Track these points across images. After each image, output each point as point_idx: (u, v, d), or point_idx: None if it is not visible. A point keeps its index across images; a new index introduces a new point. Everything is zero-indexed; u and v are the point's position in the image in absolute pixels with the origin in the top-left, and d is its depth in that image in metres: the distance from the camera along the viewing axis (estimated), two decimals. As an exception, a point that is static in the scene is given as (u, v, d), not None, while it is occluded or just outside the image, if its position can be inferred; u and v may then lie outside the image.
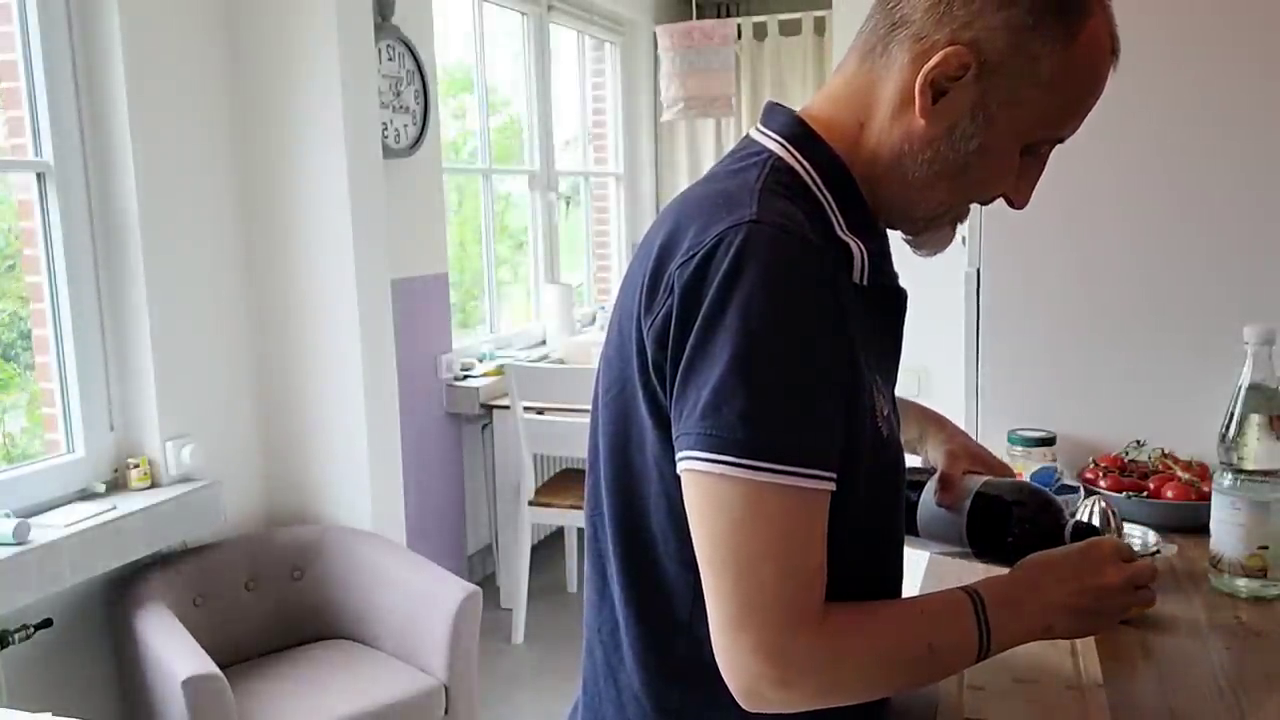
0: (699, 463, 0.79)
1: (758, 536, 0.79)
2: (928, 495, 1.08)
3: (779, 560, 0.79)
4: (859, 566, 0.88)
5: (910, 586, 1.34)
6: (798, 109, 0.93)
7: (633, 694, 0.92)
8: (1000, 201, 0.92)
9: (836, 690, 0.83)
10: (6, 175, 2.32)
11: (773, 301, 0.78)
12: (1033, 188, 0.91)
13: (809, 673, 0.80)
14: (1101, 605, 0.90)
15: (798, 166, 0.88)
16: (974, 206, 0.96)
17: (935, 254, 0.96)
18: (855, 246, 0.87)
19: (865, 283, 0.88)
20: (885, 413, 0.89)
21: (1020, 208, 0.91)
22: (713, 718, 0.86)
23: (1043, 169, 0.91)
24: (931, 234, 0.94)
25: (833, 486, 0.80)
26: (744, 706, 0.82)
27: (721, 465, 0.78)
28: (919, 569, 1.38)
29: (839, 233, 0.87)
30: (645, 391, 0.85)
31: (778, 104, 0.94)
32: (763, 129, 0.92)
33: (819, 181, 0.88)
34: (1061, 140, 0.89)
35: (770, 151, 0.89)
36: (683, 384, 0.81)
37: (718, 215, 0.82)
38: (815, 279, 0.80)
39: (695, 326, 0.79)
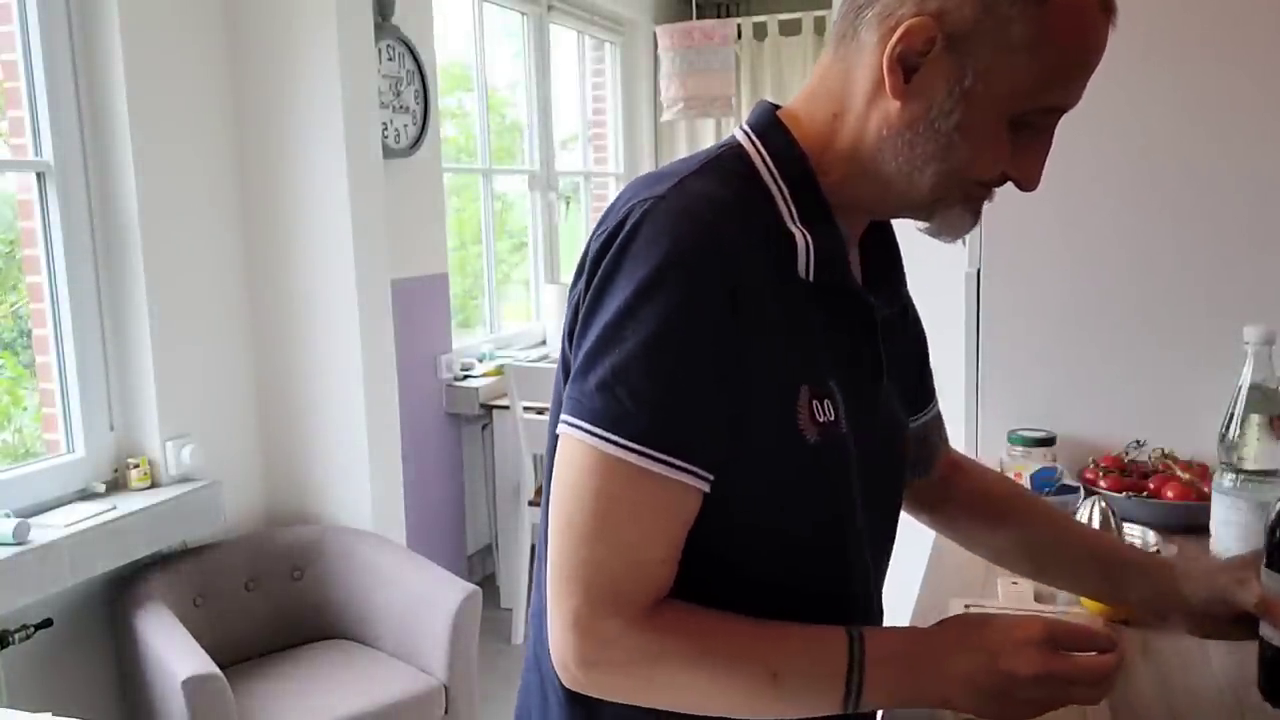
0: (563, 425, 0.79)
1: (597, 510, 0.77)
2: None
3: (613, 539, 0.77)
4: (781, 579, 0.85)
5: (906, 602, 1.34)
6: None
7: (551, 679, 0.88)
8: (1000, 198, 0.89)
9: (648, 688, 0.80)
10: (6, 175, 2.32)
11: (655, 279, 0.76)
12: (1040, 165, 0.85)
13: (618, 660, 0.78)
14: (1011, 692, 0.77)
15: (755, 155, 0.86)
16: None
17: (956, 239, 0.91)
18: (801, 238, 0.83)
19: (810, 278, 0.84)
20: (826, 418, 0.83)
21: (1029, 188, 0.85)
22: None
23: (1048, 145, 0.85)
24: (942, 219, 0.88)
25: (696, 482, 0.78)
26: (562, 682, 0.81)
27: (577, 430, 0.77)
28: (912, 591, 1.38)
29: (788, 223, 0.84)
30: (564, 364, 0.85)
31: (765, 101, 0.92)
32: (742, 123, 0.91)
33: (774, 170, 0.85)
34: (1061, 110, 0.83)
35: (736, 141, 0.88)
36: (575, 351, 0.81)
37: (640, 192, 0.82)
38: (708, 262, 0.77)
39: (589, 295, 0.80)
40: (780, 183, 0.85)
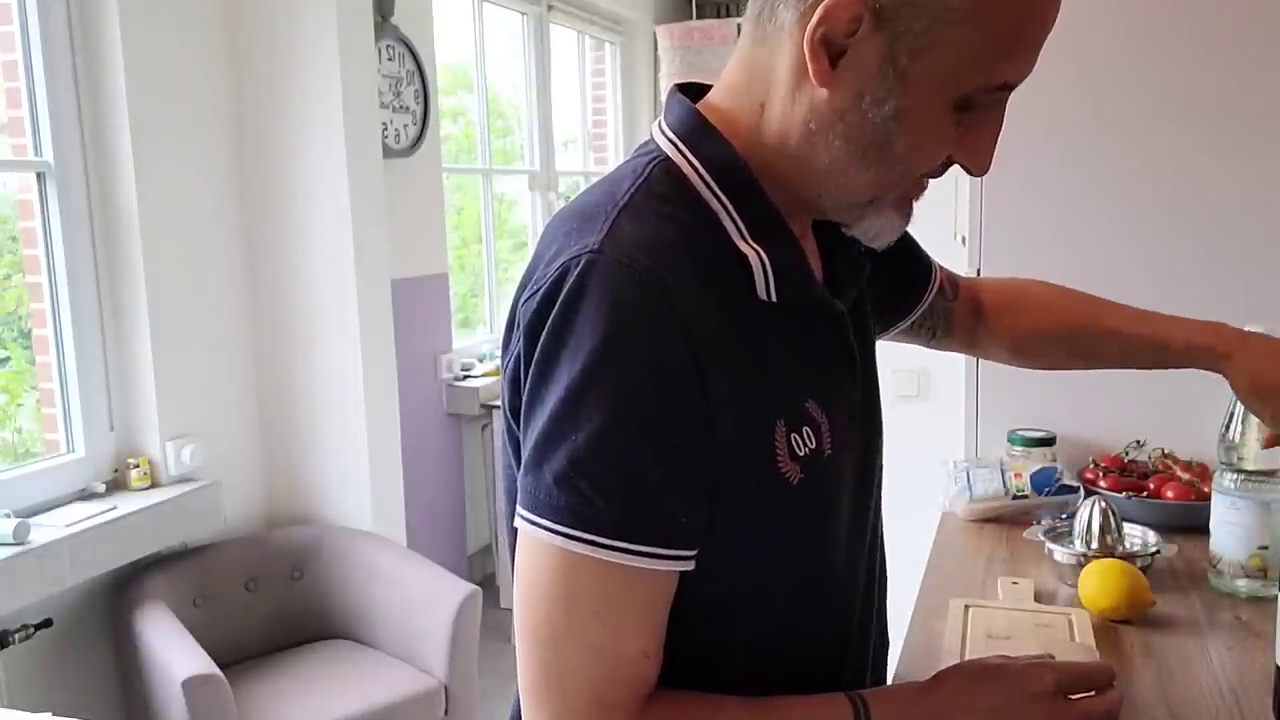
0: (520, 520, 0.71)
1: (563, 611, 0.70)
2: None
3: (585, 640, 0.70)
4: (773, 622, 0.79)
5: (907, 603, 1.34)
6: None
7: None
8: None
9: None
10: (6, 175, 2.32)
11: (604, 353, 0.67)
12: (990, 148, 0.75)
13: None
14: None
15: (687, 168, 0.76)
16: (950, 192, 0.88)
17: (885, 243, 0.81)
18: (756, 257, 0.74)
19: (773, 298, 0.74)
20: (807, 447, 0.75)
21: (979, 173, 0.76)
22: None
23: (999, 125, 0.75)
24: (871, 220, 0.79)
25: (677, 565, 0.70)
26: None
27: (534, 527, 0.69)
28: (912, 591, 1.37)
29: (739, 243, 0.74)
30: (510, 437, 0.77)
31: (681, 88, 0.81)
32: (661, 123, 0.80)
33: (714, 185, 0.75)
34: (1010, 86, 0.72)
35: (661, 152, 0.77)
36: (524, 432, 0.72)
37: (569, 240, 0.72)
38: (660, 325, 0.68)
39: (531, 373, 0.71)
40: (722, 197, 0.75)
